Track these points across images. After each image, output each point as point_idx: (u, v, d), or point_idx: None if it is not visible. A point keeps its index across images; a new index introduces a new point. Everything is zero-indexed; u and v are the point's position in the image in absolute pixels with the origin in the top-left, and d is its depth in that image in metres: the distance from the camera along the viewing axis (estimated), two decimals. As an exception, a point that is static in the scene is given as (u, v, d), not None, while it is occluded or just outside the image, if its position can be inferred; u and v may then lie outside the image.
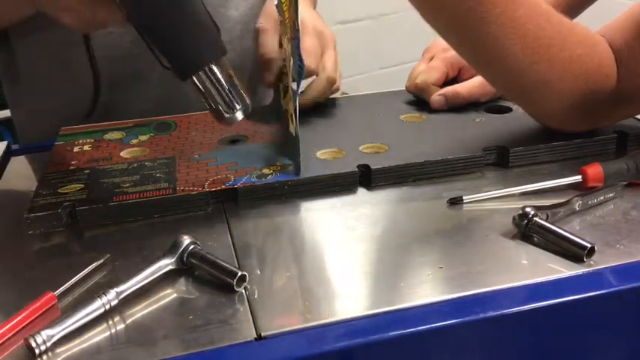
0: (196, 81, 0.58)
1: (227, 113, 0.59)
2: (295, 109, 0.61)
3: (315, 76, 0.79)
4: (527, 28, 0.59)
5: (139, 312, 0.48)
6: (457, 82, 0.80)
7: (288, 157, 0.67)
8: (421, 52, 0.86)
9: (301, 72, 0.60)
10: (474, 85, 0.78)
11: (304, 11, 0.80)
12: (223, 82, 0.58)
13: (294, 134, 0.64)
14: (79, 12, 0.62)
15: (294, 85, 0.62)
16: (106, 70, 0.82)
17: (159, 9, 0.56)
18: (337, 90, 0.82)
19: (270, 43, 0.78)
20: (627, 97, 0.65)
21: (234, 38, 0.89)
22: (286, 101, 0.71)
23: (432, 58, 0.83)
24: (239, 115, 0.60)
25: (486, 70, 0.65)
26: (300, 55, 0.59)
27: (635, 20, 0.64)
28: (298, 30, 0.58)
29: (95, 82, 0.82)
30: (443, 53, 0.81)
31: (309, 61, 0.75)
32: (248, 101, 0.60)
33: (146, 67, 0.84)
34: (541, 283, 0.49)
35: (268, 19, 0.80)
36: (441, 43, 0.83)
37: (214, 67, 0.58)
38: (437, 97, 0.78)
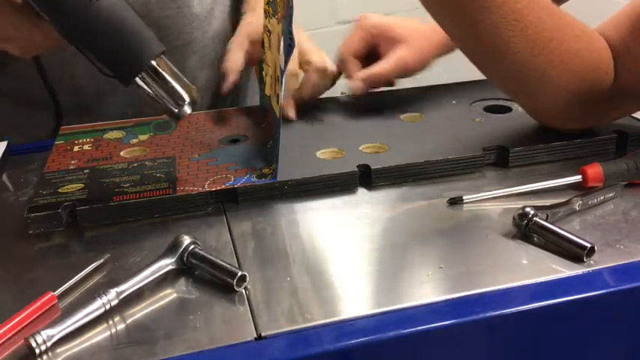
0: (140, 83, 0.58)
1: (175, 109, 0.60)
2: (281, 90, 0.61)
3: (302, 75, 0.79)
4: (528, 20, 0.59)
5: (139, 312, 0.48)
6: (378, 54, 0.78)
7: (272, 142, 0.66)
8: (421, 52, 0.85)
9: (291, 50, 0.59)
10: (388, 62, 0.75)
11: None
12: (166, 79, 0.59)
13: (278, 116, 0.63)
14: (18, 39, 0.63)
15: (282, 64, 0.61)
16: (83, 86, 0.83)
17: (86, 22, 0.56)
18: (333, 74, 0.80)
19: (235, 59, 0.79)
20: (623, 95, 0.65)
21: (205, 33, 0.89)
22: (270, 85, 0.71)
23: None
24: (187, 109, 0.60)
25: (485, 62, 0.65)
26: (291, 33, 0.58)
27: (631, 17, 0.64)
28: (292, 7, 0.58)
29: (55, 104, 0.84)
30: (361, 22, 0.79)
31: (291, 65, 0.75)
32: (195, 94, 0.61)
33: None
34: (541, 283, 0.49)
35: (239, 37, 0.82)
36: (363, 14, 0.80)
37: (155, 66, 0.58)
38: (355, 82, 0.76)
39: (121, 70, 0.58)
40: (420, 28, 0.77)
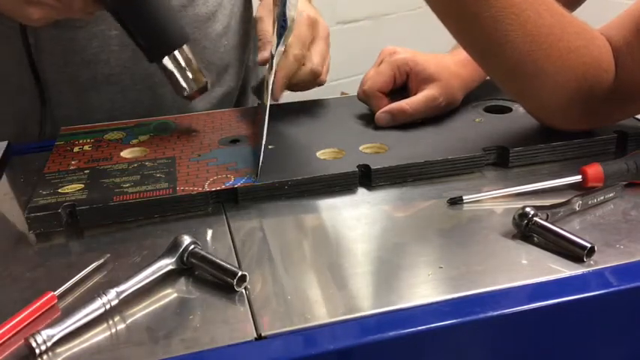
0: (165, 64, 0.70)
1: (186, 91, 0.72)
2: (271, 75, 0.61)
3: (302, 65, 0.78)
4: (527, 14, 0.59)
5: (139, 312, 0.48)
6: (406, 89, 0.77)
7: (259, 134, 0.66)
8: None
9: (282, 32, 0.59)
10: (419, 100, 0.74)
11: (299, 2, 0.79)
12: (190, 62, 0.71)
13: (264, 102, 0.63)
14: (51, 6, 0.62)
15: (273, 49, 0.61)
16: (75, 74, 0.83)
17: (136, 6, 0.67)
18: (322, 83, 0.79)
19: (267, 29, 0.79)
20: (625, 95, 0.65)
21: (207, 35, 0.88)
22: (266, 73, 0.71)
23: (381, 63, 0.79)
24: (197, 94, 0.73)
25: (484, 58, 0.65)
26: (284, 15, 0.58)
27: (634, 18, 0.64)
28: None
29: (40, 92, 0.83)
30: (390, 57, 0.78)
31: (295, 47, 0.75)
32: (207, 79, 0.72)
33: (117, 71, 0.84)
34: (541, 283, 0.49)
35: (264, 8, 0.81)
36: (390, 47, 0.80)
37: (180, 50, 0.70)
38: (382, 114, 0.74)
39: (152, 49, 0.70)
40: (450, 67, 0.76)
